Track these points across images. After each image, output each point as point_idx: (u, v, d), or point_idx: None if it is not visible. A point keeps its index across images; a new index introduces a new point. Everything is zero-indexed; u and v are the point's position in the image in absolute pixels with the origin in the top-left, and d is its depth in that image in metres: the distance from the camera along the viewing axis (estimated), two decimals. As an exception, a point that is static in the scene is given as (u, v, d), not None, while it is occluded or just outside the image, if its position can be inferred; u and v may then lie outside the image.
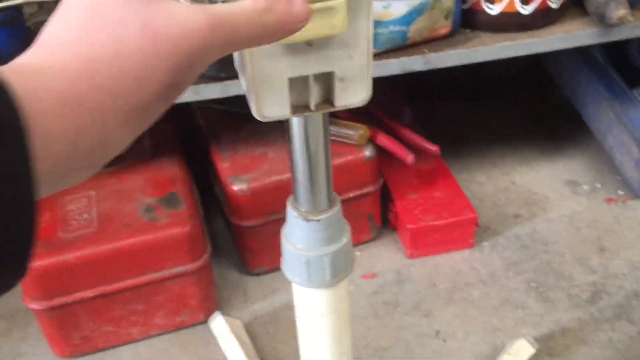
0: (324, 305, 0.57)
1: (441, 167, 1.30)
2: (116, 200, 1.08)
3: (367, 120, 1.20)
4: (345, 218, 1.17)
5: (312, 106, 0.45)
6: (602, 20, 0.99)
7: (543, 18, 1.01)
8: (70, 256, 0.99)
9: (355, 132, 1.15)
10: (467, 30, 1.04)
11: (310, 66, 0.43)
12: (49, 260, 0.98)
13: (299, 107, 0.46)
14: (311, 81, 0.44)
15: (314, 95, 0.45)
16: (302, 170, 0.50)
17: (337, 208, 0.53)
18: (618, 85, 1.32)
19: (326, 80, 0.45)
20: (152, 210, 1.05)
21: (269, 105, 0.44)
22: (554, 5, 0.99)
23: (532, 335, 1.04)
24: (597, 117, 1.36)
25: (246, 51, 0.42)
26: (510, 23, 1.01)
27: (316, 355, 0.62)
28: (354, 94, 0.45)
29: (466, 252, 1.23)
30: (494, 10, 1.00)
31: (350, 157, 1.15)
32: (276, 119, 0.45)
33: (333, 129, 1.15)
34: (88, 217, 1.04)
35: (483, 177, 1.41)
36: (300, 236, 0.52)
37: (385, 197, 1.26)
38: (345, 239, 0.55)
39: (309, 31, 0.39)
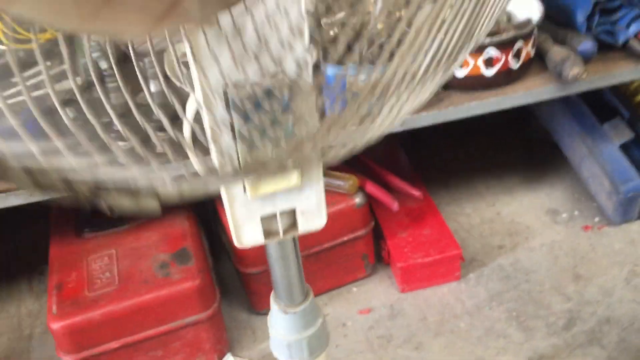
0: None
1: (429, 206, 1.42)
2: (134, 258, 1.21)
3: (357, 168, 1.32)
4: (341, 259, 1.29)
5: (281, 233, 0.57)
6: (560, 78, 1.10)
7: (505, 78, 1.13)
8: (96, 313, 1.12)
9: (346, 182, 1.27)
10: (440, 90, 1.15)
11: (277, 205, 0.55)
12: (78, 318, 1.11)
13: (271, 234, 0.58)
14: (278, 216, 0.56)
15: (282, 224, 0.57)
16: (278, 274, 0.62)
17: (311, 298, 0.65)
18: (590, 120, 1.43)
19: (290, 213, 0.57)
20: (167, 267, 1.18)
21: (246, 237, 0.56)
22: (514, 67, 1.11)
23: (512, 364, 1.16)
24: (572, 150, 1.46)
25: (225, 200, 0.54)
26: (476, 84, 1.13)
27: None
28: (313, 221, 0.57)
29: (453, 285, 1.34)
30: (460, 73, 1.11)
31: (342, 206, 1.27)
32: (253, 245, 0.57)
33: (326, 180, 1.27)
34: (110, 276, 1.18)
35: (470, 208, 1.52)
36: (282, 324, 0.64)
37: (378, 236, 1.37)
38: (320, 320, 0.67)
39: (272, 186, 0.51)
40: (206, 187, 0.39)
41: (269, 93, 0.43)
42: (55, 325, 1.11)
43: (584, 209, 1.47)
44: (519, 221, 1.48)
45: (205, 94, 0.44)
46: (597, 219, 1.44)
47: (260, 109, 0.43)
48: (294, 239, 0.61)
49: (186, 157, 0.44)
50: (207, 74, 0.43)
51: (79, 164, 0.38)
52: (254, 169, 0.47)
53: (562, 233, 1.43)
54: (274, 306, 0.64)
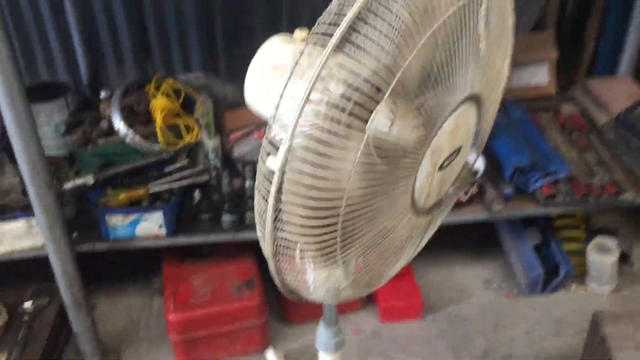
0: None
1: (406, 268, 2.14)
2: (219, 281, 1.94)
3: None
4: None
5: None
6: (489, 209, 1.84)
7: (458, 205, 1.87)
8: (195, 312, 1.85)
9: (355, 249, 2.01)
10: (419, 205, 1.90)
11: None
12: (185, 314, 1.84)
13: None
14: None
15: None
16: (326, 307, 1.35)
17: (339, 325, 1.38)
18: (518, 226, 2.17)
19: None
20: (240, 289, 1.91)
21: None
22: (463, 199, 1.85)
23: (443, 375, 1.89)
24: (505, 243, 2.21)
25: None
26: (442, 205, 1.87)
27: None
28: None
29: (416, 322, 2.07)
30: (432, 198, 1.86)
31: (351, 263, 2.01)
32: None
33: (342, 246, 2.01)
34: (204, 290, 1.91)
35: (433, 272, 2.26)
36: (324, 334, 1.36)
37: (371, 283, 2.11)
38: (341, 336, 1.40)
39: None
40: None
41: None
42: (171, 317, 1.85)
43: (508, 283, 2.21)
44: (464, 284, 2.21)
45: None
46: (515, 290, 2.18)
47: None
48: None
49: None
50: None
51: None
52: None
53: (491, 297, 2.16)
54: (322, 325, 1.37)
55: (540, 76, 2.36)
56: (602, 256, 2.05)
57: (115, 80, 2.41)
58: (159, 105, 1.87)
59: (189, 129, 1.95)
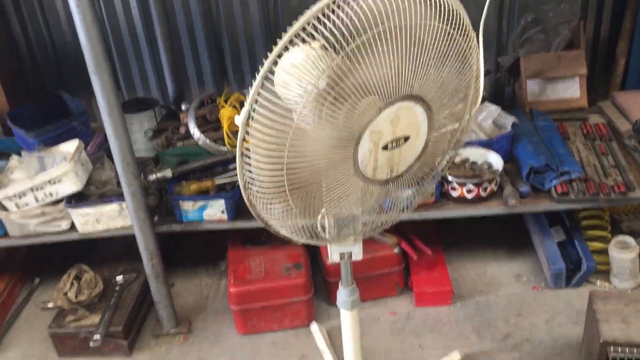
0: (349, 316, 1.71)
1: (440, 259, 2.41)
2: (272, 263, 2.29)
3: (399, 233, 2.35)
4: (383, 283, 2.34)
5: (345, 259, 1.61)
6: (506, 204, 2.08)
7: (479, 199, 2.12)
8: (252, 287, 2.20)
9: (390, 239, 2.30)
10: (443, 200, 2.17)
11: (344, 249, 1.59)
12: (243, 288, 2.20)
13: (342, 259, 1.61)
14: (345, 253, 1.60)
15: (346, 256, 1.61)
16: (343, 272, 1.65)
17: (354, 285, 1.68)
18: (544, 225, 2.38)
19: (350, 253, 1.61)
20: (289, 270, 2.25)
21: (333, 258, 1.60)
22: (483, 195, 2.11)
23: (464, 352, 2.12)
24: (533, 241, 2.41)
25: (329, 246, 1.58)
26: (461, 201, 2.13)
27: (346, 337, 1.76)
28: (357, 256, 1.61)
29: (445, 307, 2.32)
30: (454, 194, 2.13)
31: (386, 252, 2.30)
32: (335, 262, 1.61)
33: (378, 237, 2.30)
34: (260, 269, 2.26)
35: (469, 265, 2.50)
36: (343, 292, 1.67)
37: (407, 272, 2.38)
38: (357, 296, 1.69)
39: (345, 243, 1.56)
40: (326, 242, 1.46)
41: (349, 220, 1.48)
42: (232, 289, 2.20)
43: (536, 277, 2.41)
44: (496, 277, 2.44)
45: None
46: (542, 284, 2.38)
47: (345, 225, 1.47)
48: (350, 262, 1.64)
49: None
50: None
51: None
52: (340, 240, 1.52)
53: (519, 289, 2.37)
54: (340, 285, 1.67)
55: (573, 90, 2.56)
56: (623, 253, 2.22)
57: (196, 95, 2.87)
58: (226, 114, 2.27)
59: (250, 134, 2.33)
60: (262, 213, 1.27)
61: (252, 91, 1.07)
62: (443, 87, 1.21)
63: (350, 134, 1.15)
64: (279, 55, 1.05)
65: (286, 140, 1.09)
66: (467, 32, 1.19)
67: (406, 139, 1.23)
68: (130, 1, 2.75)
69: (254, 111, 1.08)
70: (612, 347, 1.66)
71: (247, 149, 1.11)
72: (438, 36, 1.12)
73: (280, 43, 1.04)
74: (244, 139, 1.09)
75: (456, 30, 1.15)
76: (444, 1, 1.14)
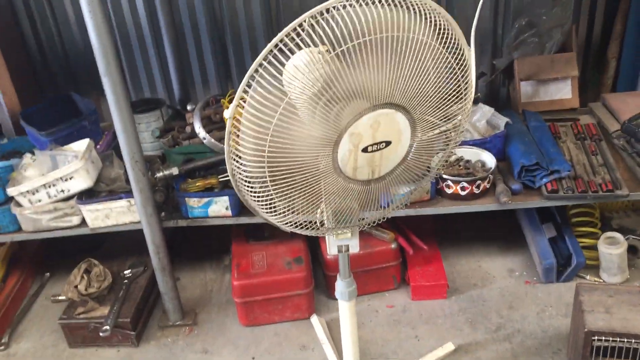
0: (346, 307, 1.80)
1: (435, 255, 2.50)
2: (274, 257, 2.38)
3: (396, 229, 2.44)
4: (381, 276, 2.44)
5: (343, 251, 1.70)
6: (499, 201, 2.18)
7: (472, 196, 2.21)
8: (254, 280, 2.30)
9: (387, 235, 2.39)
10: (438, 197, 2.26)
11: (343, 242, 1.69)
12: (246, 281, 2.29)
13: (340, 252, 1.71)
14: (343, 246, 1.69)
15: (344, 248, 1.70)
16: (341, 263, 1.74)
17: (352, 277, 1.77)
18: (536, 221, 2.47)
19: (347, 246, 1.70)
20: (290, 264, 2.34)
21: (331, 251, 1.69)
22: (476, 192, 2.20)
23: (458, 343, 2.21)
24: (526, 236, 2.50)
25: (327, 238, 1.68)
26: (456, 198, 2.22)
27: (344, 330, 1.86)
28: (354, 249, 1.70)
29: (441, 300, 2.41)
30: (448, 191, 2.22)
31: (384, 247, 2.39)
32: (334, 255, 1.70)
33: (376, 232, 2.40)
34: (262, 264, 2.36)
35: (464, 260, 2.59)
36: (341, 284, 1.76)
37: (404, 266, 2.47)
38: (354, 287, 1.78)
39: (343, 236, 1.66)
40: (323, 234, 1.55)
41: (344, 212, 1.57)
42: (235, 282, 2.30)
43: (529, 271, 2.50)
44: (489, 272, 2.53)
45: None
46: (535, 278, 2.47)
47: (342, 217, 1.56)
48: (348, 255, 1.73)
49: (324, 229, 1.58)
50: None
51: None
52: (339, 231, 1.61)
53: (512, 283, 2.46)
54: (339, 279, 1.76)
55: (565, 91, 2.65)
56: (611, 248, 2.31)
57: (201, 96, 2.97)
58: (239, 112, 2.36)
59: (254, 133, 2.43)
60: (248, 199, 1.37)
61: (240, 88, 1.19)
62: (426, 98, 1.28)
63: (332, 134, 1.24)
64: (265, 58, 1.16)
65: (267, 136, 1.19)
66: (457, 48, 1.26)
67: (387, 143, 1.31)
68: (137, 5, 2.84)
69: (243, 100, 1.18)
70: (596, 336, 1.75)
71: (237, 142, 1.21)
72: (421, 50, 1.19)
73: (267, 47, 1.15)
74: (231, 132, 1.21)
75: (444, 45, 1.23)
76: (433, 15, 1.21)
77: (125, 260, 2.58)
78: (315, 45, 1.17)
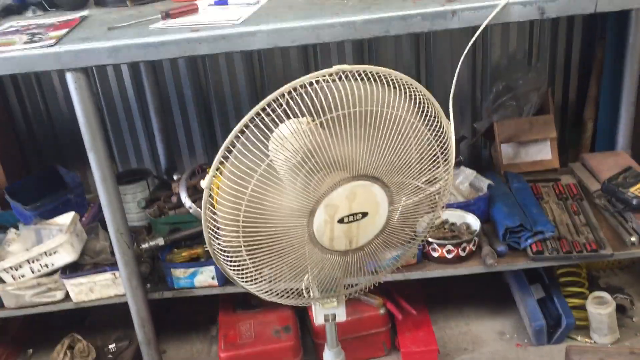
0: None
1: (425, 319, 2.47)
2: (262, 326, 2.35)
3: (385, 294, 2.42)
4: (370, 343, 2.40)
5: (330, 321, 1.69)
6: (485, 264, 2.18)
7: (458, 259, 2.22)
8: (242, 351, 2.26)
9: (376, 300, 2.38)
10: (425, 260, 2.26)
11: (329, 311, 1.67)
12: (233, 352, 2.25)
13: (327, 321, 1.69)
14: (329, 315, 1.68)
15: (330, 317, 1.68)
16: (328, 336, 1.72)
17: (339, 347, 1.75)
18: (524, 283, 2.46)
19: (334, 314, 1.68)
20: (279, 333, 2.31)
21: (318, 320, 1.67)
22: (462, 254, 2.20)
23: (451, 410, 2.17)
24: (515, 298, 2.50)
25: (313, 307, 1.66)
26: (442, 261, 2.23)
27: None
28: (341, 318, 1.68)
29: (432, 366, 2.38)
30: (434, 254, 2.22)
31: (372, 313, 2.37)
32: (321, 324, 1.68)
33: (365, 299, 2.38)
34: (250, 334, 2.32)
35: (453, 323, 2.57)
36: (329, 355, 1.73)
37: (393, 332, 2.44)
38: (342, 357, 1.76)
39: (329, 305, 1.64)
40: (307, 303, 1.54)
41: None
42: (223, 354, 2.26)
43: (519, 333, 2.48)
44: (480, 335, 2.50)
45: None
46: (525, 341, 2.45)
47: (325, 287, 1.56)
48: (335, 325, 1.72)
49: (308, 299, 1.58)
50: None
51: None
52: (324, 300, 1.60)
53: (503, 346, 2.44)
54: (326, 348, 1.74)
55: (544, 152, 2.70)
56: (600, 308, 2.30)
57: (188, 165, 2.99)
58: (216, 183, 2.37)
59: (239, 202, 2.44)
60: (226, 269, 1.37)
61: (215, 159, 1.22)
62: (403, 172, 1.30)
63: (307, 204, 1.25)
64: (241, 131, 1.20)
65: (242, 206, 1.21)
66: (435, 120, 1.29)
67: (364, 214, 1.32)
68: (123, 74, 2.90)
69: (221, 165, 1.21)
70: (589, 401, 1.73)
71: (213, 212, 1.23)
72: (398, 126, 1.22)
73: (241, 122, 1.19)
74: (209, 196, 1.25)
75: (422, 119, 1.27)
76: (410, 90, 1.25)
77: (110, 334, 2.53)
78: (295, 116, 1.20)
